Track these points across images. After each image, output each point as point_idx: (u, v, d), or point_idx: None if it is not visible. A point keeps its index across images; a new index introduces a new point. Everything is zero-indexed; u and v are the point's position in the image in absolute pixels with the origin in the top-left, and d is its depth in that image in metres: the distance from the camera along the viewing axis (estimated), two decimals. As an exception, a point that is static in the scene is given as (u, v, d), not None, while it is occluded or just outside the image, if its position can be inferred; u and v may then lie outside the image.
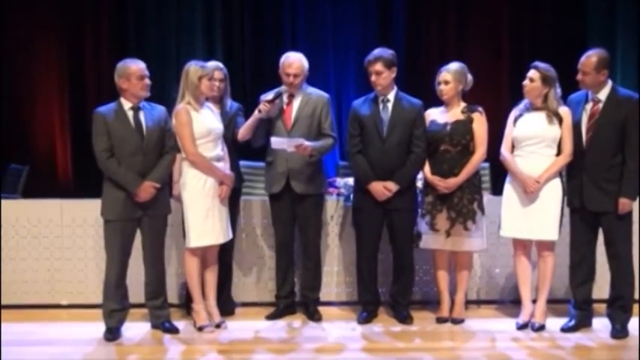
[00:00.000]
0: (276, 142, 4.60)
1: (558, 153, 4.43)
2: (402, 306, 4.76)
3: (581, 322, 4.50)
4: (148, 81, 4.38)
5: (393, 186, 4.54)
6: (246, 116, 4.79)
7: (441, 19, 6.86)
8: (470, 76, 4.63)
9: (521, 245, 4.58)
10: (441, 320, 4.71)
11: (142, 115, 4.38)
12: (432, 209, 4.59)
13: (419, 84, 6.07)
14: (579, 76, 4.35)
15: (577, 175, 4.39)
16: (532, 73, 4.45)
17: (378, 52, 4.60)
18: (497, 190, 5.02)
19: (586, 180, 4.33)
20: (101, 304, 4.47)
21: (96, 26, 6.79)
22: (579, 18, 6.72)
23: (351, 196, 4.87)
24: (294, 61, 4.67)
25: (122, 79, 4.33)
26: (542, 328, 4.50)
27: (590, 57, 4.31)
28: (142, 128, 4.36)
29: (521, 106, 4.56)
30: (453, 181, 4.53)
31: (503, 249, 4.97)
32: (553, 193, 4.44)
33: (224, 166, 4.54)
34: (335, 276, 5.15)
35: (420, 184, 4.76)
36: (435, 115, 4.68)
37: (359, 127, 4.64)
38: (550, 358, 4.09)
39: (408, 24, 6.84)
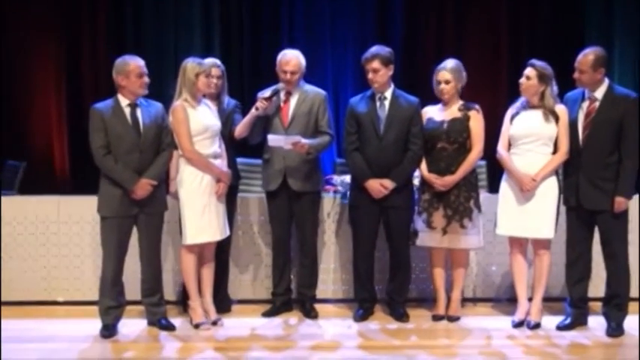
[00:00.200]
0: (273, 139, 4.60)
1: (555, 151, 4.44)
2: (399, 303, 4.77)
3: (577, 320, 4.51)
4: (146, 79, 4.37)
5: (389, 183, 4.54)
6: (244, 113, 4.79)
7: (439, 15, 6.84)
8: (464, 73, 4.64)
9: (518, 243, 4.59)
10: (437, 318, 4.71)
11: (139, 112, 4.38)
12: (428, 207, 4.60)
13: (416, 81, 6.08)
14: (576, 75, 4.35)
15: (573, 174, 4.39)
16: (529, 71, 4.45)
17: (375, 49, 4.60)
18: (493, 187, 5.03)
19: (582, 178, 4.33)
20: (97, 300, 4.47)
21: (93, 22, 6.76)
22: (577, 15, 6.70)
23: (348, 193, 4.88)
24: (292, 58, 4.67)
25: (121, 76, 4.33)
26: (537, 326, 4.51)
27: (587, 55, 4.31)
28: (139, 125, 4.36)
29: (518, 104, 4.56)
30: (450, 179, 4.53)
31: (499, 247, 4.98)
32: (549, 191, 4.44)
33: (221, 163, 4.54)
34: (331, 273, 5.15)
35: (416, 181, 4.77)
36: (432, 112, 4.68)
37: (356, 125, 4.64)
38: (546, 356, 4.09)
39: (405, 20, 6.83)
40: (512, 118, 4.53)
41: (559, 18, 6.73)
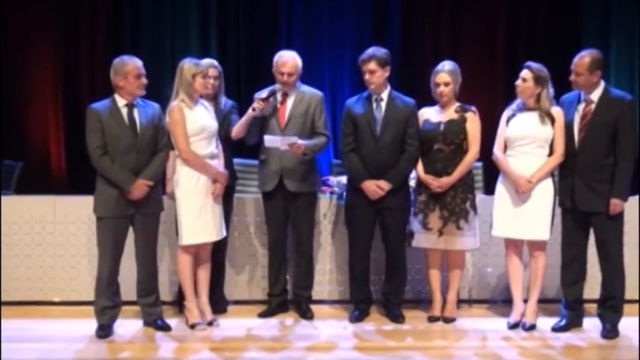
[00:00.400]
0: (269, 140, 4.61)
1: (550, 153, 4.45)
2: (394, 305, 4.77)
3: (572, 321, 4.52)
4: (144, 80, 4.37)
5: (385, 185, 4.55)
6: (241, 114, 4.80)
7: (435, 17, 6.84)
8: (460, 74, 4.66)
9: (513, 245, 4.60)
10: (432, 319, 4.72)
11: (136, 113, 4.38)
12: (424, 208, 4.60)
13: (413, 82, 6.08)
14: (572, 77, 4.37)
15: (569, 176, 4.40)
16: (525, 73, 4.46)
17: (371, 50, 4.61)
18: (489, 189, 5.03)
19: (578, 180, 4.34)
20: (93, 301, 4.47)
21: (92, 23, 6.75)
22: (574, 17, 6.71)
23: (344, 194, 4.89)
24: (288, 59, 4.68)
25: (119, 76, 4.33)
26: (533, 327, 4.52)
27: (584, 57, 4.32)
28: (136, 126, 4.36)
29: (514, 106, 4.57)
30: (447, 180, 4.54)
31: (495, 248, 4.99)
32: (545, 193, 4.45)
33: (218, 164, 4.54)
34: (327, 274, 5.16)
35: (412, 182, 4.78)
36: (429, 114, 4.69)
37: (352, 126, 4.65)
38: (541, 358, 4.10)
39: (402, 22, 6.83)
40: (509, 120, 4.55)
41: (556, 20, 6.73)
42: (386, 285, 4.83)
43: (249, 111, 4.64)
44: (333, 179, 5.20)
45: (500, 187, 4.57)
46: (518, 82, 4.48)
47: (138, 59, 4.40)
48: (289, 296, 4.96)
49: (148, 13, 6.78)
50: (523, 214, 4.46)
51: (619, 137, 4.28)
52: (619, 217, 4.34)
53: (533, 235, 4.48)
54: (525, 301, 4.62)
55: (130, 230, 4.45)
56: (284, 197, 4.74)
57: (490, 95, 6.48)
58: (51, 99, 6.79)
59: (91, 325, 4.45)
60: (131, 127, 4.35)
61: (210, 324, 4.58)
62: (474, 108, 4.66)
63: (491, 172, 4.88)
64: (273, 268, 4.86)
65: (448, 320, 4.70)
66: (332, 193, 5.16)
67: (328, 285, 5.17)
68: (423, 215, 4.60)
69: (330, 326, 4.66)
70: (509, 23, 6.82)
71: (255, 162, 4.98)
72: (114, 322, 4.49)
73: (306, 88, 4.80)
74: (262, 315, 4.83)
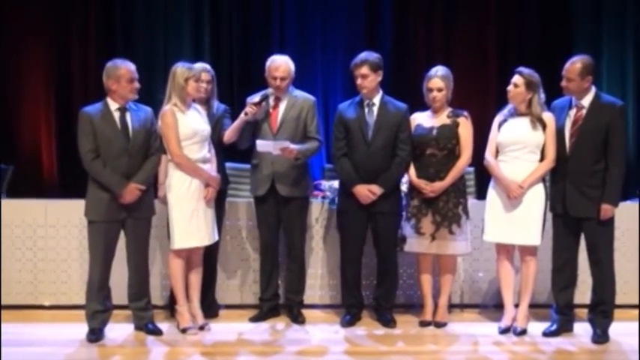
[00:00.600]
0: (261, 144, 4.61)
1: (542, 159, 4.46)
2: (386, 309, 4.78)
3: (563, 326, 4.53)
4: (137, 84, 4.36)
5: (377, 189, 4.56)
6: (233, 118, 4.80)
7: (427, 22, 6.86)
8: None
9: (504, 250, 4.61)
10: (424, 324, 4.72)
11: (128, 117, 4.37)
12: (417, 213, 4.61)
13: (406, 87, 6.09)
14: (563, 83, 4.38)
15: (560, 181, 4.42)
16: (516, 79, 4.48)
17: (364, 55, 4.62)
18: (481, 194, 5.04)
19: (569, 186, 4.36)
20: (84, 305, 4.46)
21: (83, 26, 6.74)
22: (566, 23, 6.75)
23: (336, 199, 4.89)
24: (281, 64, 4.68)
25: (111, 80, 4.32)
26: (524, 332, 4.53)
27: (575, 63, 4.34)
28: (128, 129, 4.36)
29: (506, 111, 4.59)
30: (439, 185, 4.55)
31: (486, 253, 5.00)
32: (536, 198, 4.46)
33: (211, 168, 4.54)
34: (319, 279, 5.16)
35: (404, 187, 4.78)
36: (421, 119, 4.70)
37: (344, 131, 4.66)
38: (531, 363, 4.13)
39: (395, 27, 6.84)
40: (500, 125, 4.56)
41: (547, 26, 6.76)
42: (377, 289, 4.83)
43: (242, 115, 4.64)
44: (325, 184, 5.20)
45: (491, 192, 4.58)
46: (510, 88, 4.50)
47: (131, 63, 4.39)
48: (281, 301, 4.96)
49: (141, 17, 6.78)
50: (514, 219, 4.47)
51: (610, 143, 4.30)
52: (610, 223, 4.35)
53: (524, 240, 4.49)
54: (516, 305, 4.63)
55: (122, 234, 4.44)
56: (276, 202, 4.74)
57: (482, 100, 6.50)
58: (43, 102, 6.77)
59: (82, 329, 4.44)
60: (123, 130, 4.34)
61: (201, 328, 4.57)
62: (466, 113, 4.67)
63: (483, 177, 4.89)
64: (265, 272, 4.86)
65: (439, 325, 4.70)
66: (324, 197, 5.17)
67: (320, 289, 5.17)
68: (415, 220, 4.61)
69: (322, 331, 4.66)
70: (501, 29, 6.85)
71: (248, 166, 4.97)
72: (105, 326, 4.47)
73: (299, 93, 4.81)
74: (254, 319, 4.83)
